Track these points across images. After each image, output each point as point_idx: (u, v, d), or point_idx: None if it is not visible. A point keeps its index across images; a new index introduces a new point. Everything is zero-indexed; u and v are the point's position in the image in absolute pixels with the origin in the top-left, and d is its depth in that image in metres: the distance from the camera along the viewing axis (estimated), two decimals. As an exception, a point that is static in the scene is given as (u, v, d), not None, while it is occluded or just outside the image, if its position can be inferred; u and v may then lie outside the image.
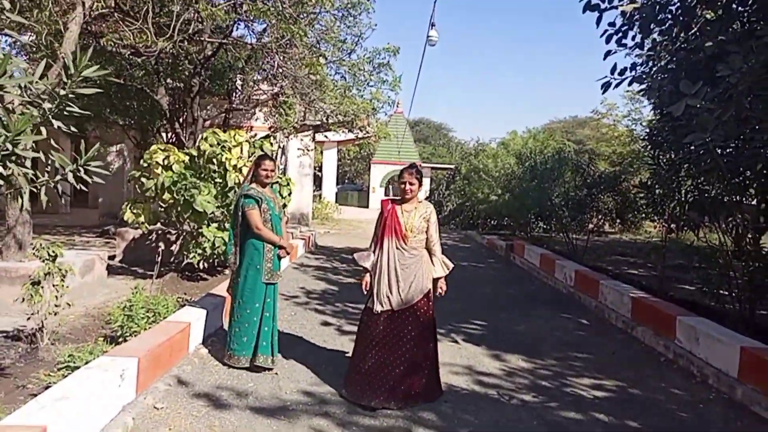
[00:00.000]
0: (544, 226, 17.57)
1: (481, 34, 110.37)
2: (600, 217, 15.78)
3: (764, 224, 6.22)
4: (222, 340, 5.05)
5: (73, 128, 3.16)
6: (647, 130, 14.35)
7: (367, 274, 4.05)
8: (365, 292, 4.07)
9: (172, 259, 8.61)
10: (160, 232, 9.22)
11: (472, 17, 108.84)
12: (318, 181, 27.19)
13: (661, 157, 8.37)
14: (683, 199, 7.11)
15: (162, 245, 9.50)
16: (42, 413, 2.74)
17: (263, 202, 4.45)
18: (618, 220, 20.66)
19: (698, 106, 4.36)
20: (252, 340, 4.44)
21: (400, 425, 3.61)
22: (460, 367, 4.84)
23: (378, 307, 3.90)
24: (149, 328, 4.71)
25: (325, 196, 25.19)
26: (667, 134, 8.10)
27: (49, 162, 2.85)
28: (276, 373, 4.42)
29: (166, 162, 7.73)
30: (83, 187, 3.28)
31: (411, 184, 4.00)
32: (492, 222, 19.21)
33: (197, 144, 8.28)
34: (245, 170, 7.04)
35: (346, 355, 4.89)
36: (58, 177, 2.90)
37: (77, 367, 3.63)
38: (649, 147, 12.53)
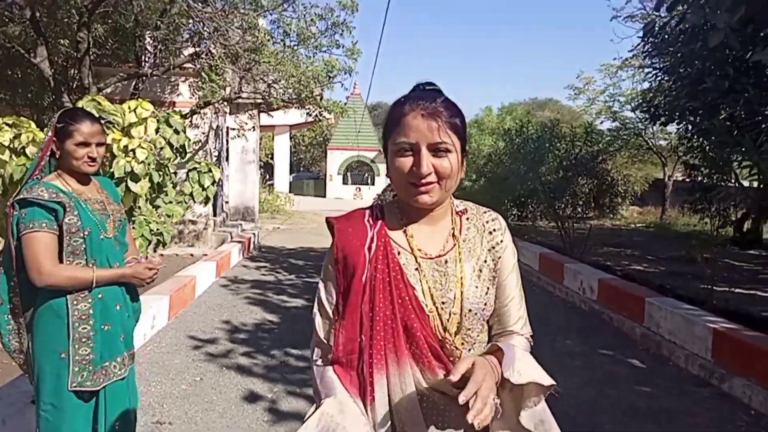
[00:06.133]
0: (519, 214, 16.00)
1: (435, 17, 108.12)
2: (577, 202, 14.19)
3: None
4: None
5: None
6: (640, 101, 12.60)
7: None
8: None
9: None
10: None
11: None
12: (269, 170, 24.67)
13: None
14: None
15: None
16: None
17: (69, 213, 2.02)
18: (593, 205, 19.34)
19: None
20: None
21: None
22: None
23: None
24: None
25: (277, 186, 22.64)
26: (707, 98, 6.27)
27: None
28: None
29: (16, 144, 5.23)
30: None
31: (444, 149, 1.13)
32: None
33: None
34: (141, 153, 4.62)
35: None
36: None
37: None
38: (648, 120, 10.64)
